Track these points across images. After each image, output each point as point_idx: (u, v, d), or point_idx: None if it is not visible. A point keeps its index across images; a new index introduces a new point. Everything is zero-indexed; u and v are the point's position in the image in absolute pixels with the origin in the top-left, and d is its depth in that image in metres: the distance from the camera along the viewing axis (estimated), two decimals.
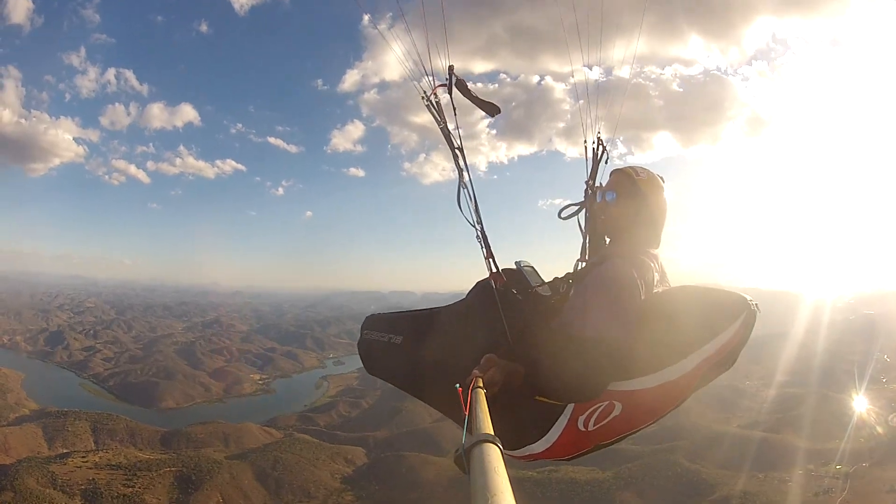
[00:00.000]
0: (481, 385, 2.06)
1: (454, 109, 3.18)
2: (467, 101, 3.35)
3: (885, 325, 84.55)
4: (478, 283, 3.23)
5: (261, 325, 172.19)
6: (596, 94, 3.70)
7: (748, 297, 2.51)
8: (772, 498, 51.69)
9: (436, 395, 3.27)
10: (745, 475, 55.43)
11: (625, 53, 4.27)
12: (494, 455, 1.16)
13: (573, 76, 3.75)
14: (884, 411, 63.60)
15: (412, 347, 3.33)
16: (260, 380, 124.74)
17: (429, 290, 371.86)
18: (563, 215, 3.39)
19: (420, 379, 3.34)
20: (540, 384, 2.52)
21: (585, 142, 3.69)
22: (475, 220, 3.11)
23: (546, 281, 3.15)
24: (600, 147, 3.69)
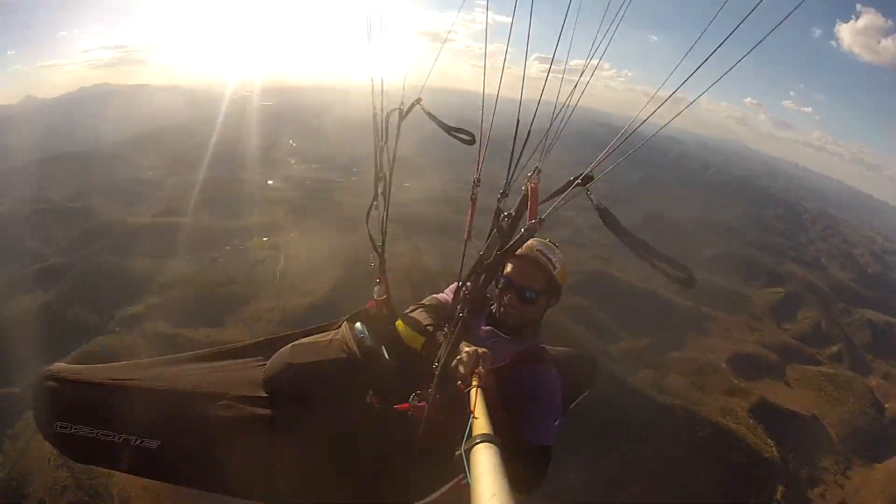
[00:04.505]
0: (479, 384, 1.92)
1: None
2: None
3: (288, 115, 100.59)
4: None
5: None
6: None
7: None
8: (210, 276, 45.68)
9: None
10: (178, 259, 49.80)
11: None
12: (494, 455, 1.17)
13: None
14: (291, 185, 70.11)
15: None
16: None
17: None
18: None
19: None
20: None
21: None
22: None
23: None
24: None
